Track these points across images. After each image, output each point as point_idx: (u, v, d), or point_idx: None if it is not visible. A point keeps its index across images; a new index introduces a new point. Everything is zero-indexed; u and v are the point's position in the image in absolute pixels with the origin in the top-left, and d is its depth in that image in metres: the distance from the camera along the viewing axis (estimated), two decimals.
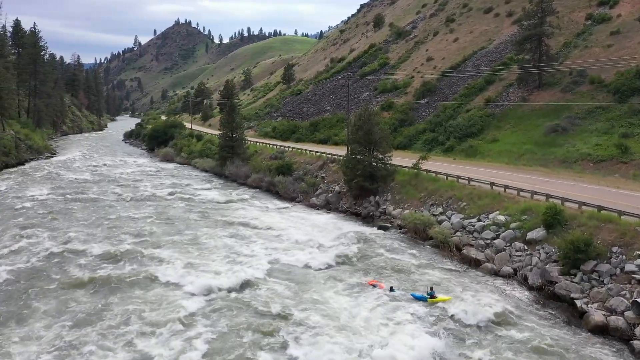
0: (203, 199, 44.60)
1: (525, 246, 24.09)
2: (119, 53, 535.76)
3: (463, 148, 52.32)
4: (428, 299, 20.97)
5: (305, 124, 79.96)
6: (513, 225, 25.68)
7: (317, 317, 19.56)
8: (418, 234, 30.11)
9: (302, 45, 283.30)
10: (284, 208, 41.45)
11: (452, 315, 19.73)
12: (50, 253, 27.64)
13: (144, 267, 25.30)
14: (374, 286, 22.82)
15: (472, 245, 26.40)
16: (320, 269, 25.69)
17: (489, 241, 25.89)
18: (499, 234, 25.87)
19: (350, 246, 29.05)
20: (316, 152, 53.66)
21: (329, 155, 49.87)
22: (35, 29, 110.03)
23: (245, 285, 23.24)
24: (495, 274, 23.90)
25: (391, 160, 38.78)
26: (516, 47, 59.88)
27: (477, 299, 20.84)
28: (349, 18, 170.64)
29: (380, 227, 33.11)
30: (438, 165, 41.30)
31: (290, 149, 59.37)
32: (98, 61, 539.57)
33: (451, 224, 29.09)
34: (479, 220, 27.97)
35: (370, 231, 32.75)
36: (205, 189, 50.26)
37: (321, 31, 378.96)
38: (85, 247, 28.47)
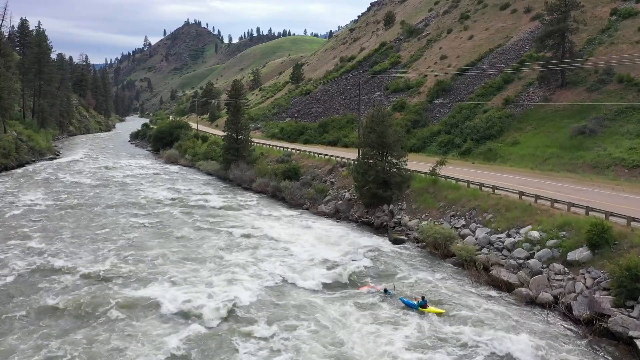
0: (203, 206, 41.80)
1: (566, 269, 20.78)
2: (129, 54, 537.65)
3: (481, 151, 49.16)
4: (419, 308, 20.39)
5: (314, 125, 77.16)
6: (550, 243, 22.41)
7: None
8: (438, 250, 26.91)
9: (312, 45, 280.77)
10: (290, 216, 38.48)
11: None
12: (27, 271, 24.94)
13: (128, 290, 22.44)
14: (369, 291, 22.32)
15: (501, 265, 23.11)
16: (325, 291, 22.75)
17: (521, 261, 22.56)
18: (534, 253, 22.56)
19: (362, 262, 26.04)
20: (325, 155, 50.67)
21: (339, 159, 46.85)
22: (40, 28, 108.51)
23: (241, 311, 20.35)
24: (532, 301, 20.54)
25: (406, 165, 35.67)
26: (537, 43, 56.51)
27: (515, 333, 17.81)
28: (359, 17, 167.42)
29: (395, 240, 29.97)
30: (456, 170, 38.13)
31: (298, 152, 56.46)
32: (109, 62, 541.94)
33: (476, 239, 25.83)
34: (509, 235, 24.69)
35: (383, 244, 29.65)
36: (206, 194, 47.47)
37: (330, 31, 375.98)
38: (67, 263, 25.68)
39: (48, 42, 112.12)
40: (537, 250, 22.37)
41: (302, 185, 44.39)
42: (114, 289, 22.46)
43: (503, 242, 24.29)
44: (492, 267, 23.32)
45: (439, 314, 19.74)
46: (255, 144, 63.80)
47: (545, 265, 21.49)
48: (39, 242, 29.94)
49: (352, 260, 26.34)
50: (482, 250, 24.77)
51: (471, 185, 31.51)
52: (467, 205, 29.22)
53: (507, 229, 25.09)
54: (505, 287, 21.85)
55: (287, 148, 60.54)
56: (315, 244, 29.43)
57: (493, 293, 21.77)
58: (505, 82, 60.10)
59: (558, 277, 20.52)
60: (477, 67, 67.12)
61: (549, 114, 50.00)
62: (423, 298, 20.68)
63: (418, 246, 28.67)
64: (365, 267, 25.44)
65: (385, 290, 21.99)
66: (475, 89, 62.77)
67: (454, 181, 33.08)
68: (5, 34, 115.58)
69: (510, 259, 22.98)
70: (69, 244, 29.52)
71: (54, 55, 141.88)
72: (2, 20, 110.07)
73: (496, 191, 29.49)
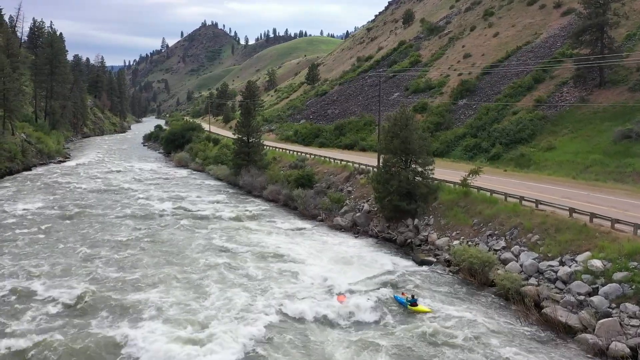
0: (210, 216, 38.40)
1: None
2: (147, 55, 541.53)
3: (512, 156, 45.00)
4: (408, 306, 20.41)
5: (330, 128, 73.56)
6: (618, 276, 18.24)
7: None
8: (475, 276, 22.88)
9: (328, 45, 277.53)
10: (302, 229, 34.84)
11: None
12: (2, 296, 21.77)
13: (111, 325, 19.04)
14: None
15: (556, 302, 18.93)
16: (341, 327, 19.10)
17: (582, 297, 18.42)
18: (597, 288, 18.42)
19: (384, 291, 22.24)
20: (341, 160, 46.91)
21: (357, 165, 43.05)
22: (52, 29, 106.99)
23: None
24: (601, 352, 16.34)
25: (433, 173, 31.75)
26: (572, 39, 52.05)
27: None
28: (376, 16, 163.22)
29: (422, 262, 26.06)
30: (487, 179, 34.03)
31: (313, 157, 52.84)
32: (127, 63, 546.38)
33: (521, 266, 21.73)
34: (562, 263, 20.53)
35: (409, 267, 25.77)
36: (214, 203, 44.10)
37: (347, 31, 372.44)
38: (48, 288, 22.40)
39: (62, 43, 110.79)
40: (602, 285, 18.23)
41: (317, 194, 40.71)
42: (96, 324, 19.10)
43: (556, 272, 20.15)
44: (545, 302, 19.23)
45: (425, 312, 19.78)
46: (267, 147, 60.44)
47: (614, 305, 17.37)
48: (21, 258, 26.84)
49: (375, 289, 22.54)
50: (530, 280, 20.66)
51: (509, 199, 27.41)
52: (506, 223, 25.08)
53: (560, 255, 20.95)
54: (563, 329, 17.71)
55: (301, 152, 56.97)
56: (330, 267, 25.67)
57: (549, 337, 17.67)
58: (535, 81, 55.75)
59: (634, 322, 16.40)
60: (504, 66, 62.76)
61: (587, 115, 45.63)
62: (413, 297, 20.71)
63: (450, 271, 24.67)
64: (388, 297, 21.60)
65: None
66: (502, 89, 58.59)
67: (488, 193, 28.97)
68: (19, 35, 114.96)
69: (567, 293, 18.85)
70: (56, 262, 26.31)
71: (70, 57, 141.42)
72: (15, 21, 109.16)
73: (540, 206, 25.35)
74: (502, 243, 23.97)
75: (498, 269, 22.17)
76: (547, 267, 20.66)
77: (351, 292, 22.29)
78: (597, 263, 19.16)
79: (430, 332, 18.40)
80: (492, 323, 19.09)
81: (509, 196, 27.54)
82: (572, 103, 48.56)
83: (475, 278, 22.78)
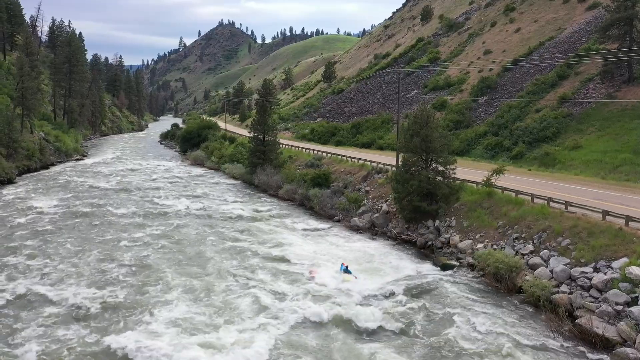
0: (224, 216, 37.69)
1: None
2: (164, 54, 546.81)
3: (536, 155, 43.42)
4: (342, 273, 23.78)
5: (347, 126, 72.51)
6: None
7: None
8: (500, 282, 21.64)
9: (344, 44, 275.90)
10: (319, 230, 33.89)
11: None
12: (11, 296, 21.27)
13: (124, 329, 18.37)
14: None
15: (592, 312, 17.62)
16: (361, 332, 18.12)
17: (620, 307, 17.07)
18: (637, 298, 17.01)
19: (405, 297, 21.16)
20: (359, 159, 45.82)
21: (374, 164, 41.92)
22: (70, 28, 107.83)
23: None
24: None
25: (454, 173, 30.50)
26: (599, 33, 50.15)
27: None
28: (393, 13, 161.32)
29: (444, 266, 24.90)
30: (511, 179, 32.67)
31: (329, 155, 51.83)
32: (145, 63, 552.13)
33: (551, 272, 20.36)
34: (597, 270, 19.18)
35: (430, 271, 24.64)
36: (229, 202, 43.44)
37: (364, 29, 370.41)
38: (56, 291, 21.83)
39: (81, 42, 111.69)
40: None
41: (333, 194, 39.71)
42: (106, 329, 18.40)
43: (590, 279, 18.80)
44: (578, 311, 17.93)
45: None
46: (283, 146, 59.63)
47: None
48: (32, 259, 26.41)
49: (395, 295, 21.47)
50: (561, 288, 19.34)
51: (536, 200, 26.04)
52: (534, 227, 23.73)
53: (594, 261, 19.59)
54: (599, 342, 16.38)
55: (318, 151, 56.02)
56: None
57: (584, 350, 16.42)
58: (559, 77, 53.91)
59: None
60: (526, 63, 60.91)
61: (615, 113, 43.82)
62: (347, 267, 24.17)
63: (473, 274, 23.46)
64: (414, 304, 20.46)
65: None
66: (525, 85, 56.87)
67: (513, 194, 27.62)
68: (39, 34, 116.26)
69: (603, 302, 17.53)
70: (66, 264, 25.81)
71: (89, 56, 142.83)
72: (35, 20, 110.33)
73: (570, 208, 23.95)
74: (530, 247, 22.63)
75: (526, 275, 20.90)
76: (580, 274, 19.30)
77: (373, 297, 21.24)
78: (635, 270, 17.77)
79: (456, 342, 17.27)
80: (521, 333, 17.84)
81: (536, 197, 26.17)
82: (598, 100, 46.76)
83: (501, 284, 21.51)
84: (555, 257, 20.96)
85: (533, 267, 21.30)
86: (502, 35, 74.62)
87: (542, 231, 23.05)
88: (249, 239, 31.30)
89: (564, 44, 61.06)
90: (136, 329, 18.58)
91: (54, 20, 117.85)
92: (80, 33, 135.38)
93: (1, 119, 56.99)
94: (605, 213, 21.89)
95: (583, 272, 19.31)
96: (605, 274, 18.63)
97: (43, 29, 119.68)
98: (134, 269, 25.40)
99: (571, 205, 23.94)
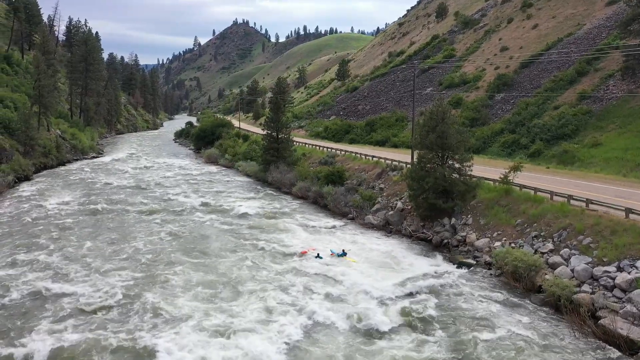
0: (237, 213, 37.56)
1: None
2: (179, 54, 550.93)
3: (555, 153, 42.56)
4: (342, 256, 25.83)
5: (361, 124, 72.05)
6: None
7: None
8: (519, 281, 21.05)
9: (359, 42, 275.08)
10: (332, 228, 33.56)
11: None
12: (28, 292, 21.32)
13: (138, 329, 18.22)
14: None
15: (615, 312, 17.01)
16: (378, 333, 17.75)
17: None
18: None
19: (422, 297, 20.69)
20: (373, 157, 45.38)
21: (389, 162, 41.47)
22: (86, 27, 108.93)
23: None
24: None
25: (471, 171, 29.93)
26: (620, 28, 49.09)
27: None
28: (408, 11, 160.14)
29: (460, 264, 24.41)
30: (529, 176, 32.00)
31: (343, 153, 51.48)
32: (160, 62, 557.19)
33: (572, 271, 19.76)
34: (620, 269, 18.53)
35: (446, 269, 24.11)
36: (242, 199, 43.33)
37: (378, 28, 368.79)
38: (65, 289, 21.66)
39: (97, 41, 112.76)
40: None
41: (347, 192, 39.35)
42: (121, 329, 18.30)
43: (613, 279, 18.19)
44: (601, 312, 17.36)
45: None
46: (297, 143, 59.41)
47: None
48: (48, 255, 26.52)
49: (412, 295, 21.04)
50: (583, 287, 18.75)
51: (555, 197, 25.38)
52: (554, 225, 23.09)
53: (617, 260, 18.95)
54: (624, 344, 15.76)
55: (332, 148, 55.71)
56: (363, 269, 24.30)
57: (608, 353, 15.88)
58: (578, 74, 52.80)
59: None
60: (544, 59, 59.80)
61: (637, 110, 42.78)
62: (343, 250, 26.17)
63: (491, 274, 22.92)
64: (432, 304, 19.97)
65: (318, 255, 25.82)
66: (543, 82, 55.87)
67: (531, 191, 26.99)
68: (56, 33, 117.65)
69: (628, 303, 16.91)
70: (76, 262, 25.80)
71: (105, 55, 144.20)
72: (52, 20, 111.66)
73: (591, 206, 23.28)
74: (550, 245, 22.02)
75: (546, 274, 20.31)
76: (602, 273, 18.68)
77: (389, 296, 20.82)
78: None
79: (475, 343, 16.82)
80: (542, 334, 17.30)
81: (556, 194, 25.50)
82: (619, 97, 45.68)
83: (519, 283, 20.95)
84: (577, 255, 20.36)
85: (553, 266, 20.70)
86: (519, 32, 73.50)
87: (563, 229, 22.42)
88: (263, 235, 31.09)
89: (583, 40, 59.86)
90: (155, 323, 18.50)
91: (70, 20, 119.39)
92: (96, 32, 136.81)
93: (19, 116, 57.63)
94: (629, 211, 21.22)
95: (606, 272, 18.69)
96: (629, 273, 18.00)
97: (60, 28, 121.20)
98: (150, 263, 25.37)
99: (592, 203, 23.27)
